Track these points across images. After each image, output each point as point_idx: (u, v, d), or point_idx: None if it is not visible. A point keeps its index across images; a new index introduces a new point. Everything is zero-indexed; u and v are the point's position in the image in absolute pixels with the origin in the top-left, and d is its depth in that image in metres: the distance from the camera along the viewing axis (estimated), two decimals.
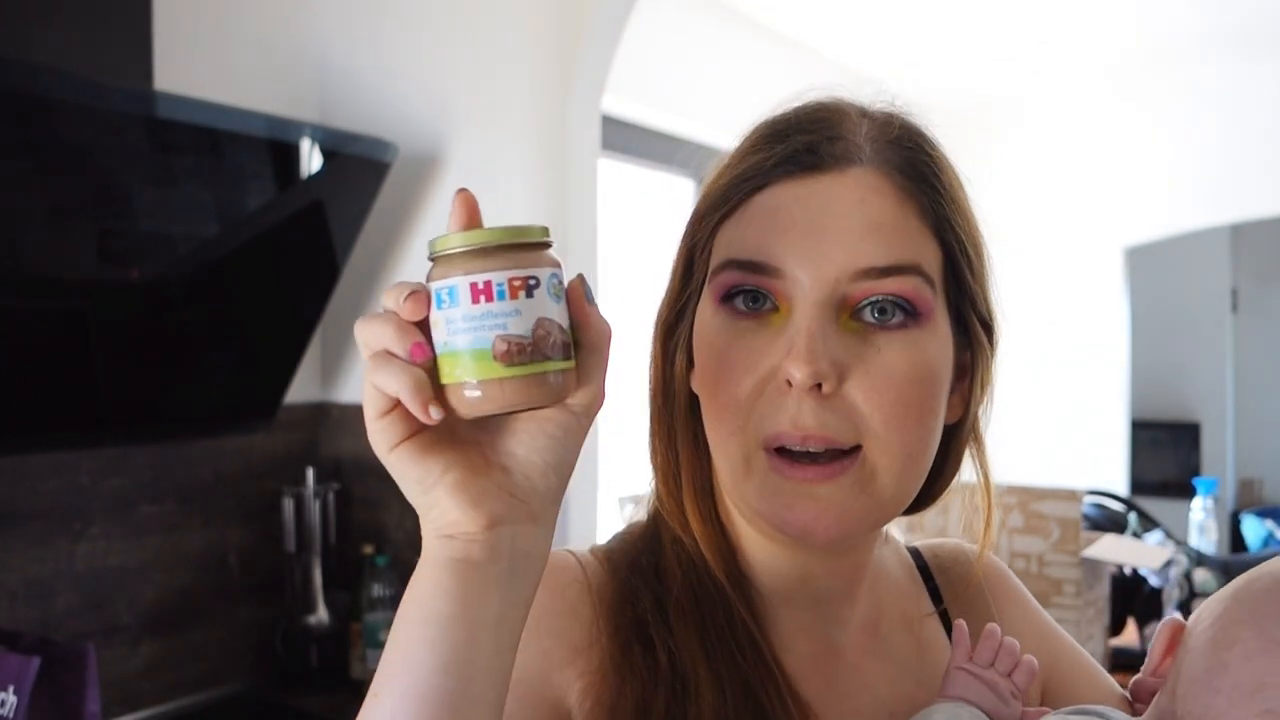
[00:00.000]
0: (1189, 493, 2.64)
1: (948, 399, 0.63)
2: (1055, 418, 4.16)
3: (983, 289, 0.64)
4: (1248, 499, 5.03)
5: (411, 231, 2.14)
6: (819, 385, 0.57)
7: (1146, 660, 0.62)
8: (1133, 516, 2.34)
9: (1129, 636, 2.19)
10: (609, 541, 0.70)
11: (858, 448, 0.58)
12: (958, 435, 0.66)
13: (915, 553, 0.77)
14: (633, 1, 1.99)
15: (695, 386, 0.65)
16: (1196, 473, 4.81)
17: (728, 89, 3.09)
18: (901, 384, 0.58)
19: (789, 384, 0.57)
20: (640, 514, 0.71)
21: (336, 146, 1.87)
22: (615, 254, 2.31)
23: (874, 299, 0.58)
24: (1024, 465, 3.85)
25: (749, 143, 0.64)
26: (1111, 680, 0.77)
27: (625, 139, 2.81)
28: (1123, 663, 2.10)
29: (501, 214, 2.19)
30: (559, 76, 1.96)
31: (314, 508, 2.08)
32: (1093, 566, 1.92)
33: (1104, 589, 2.04)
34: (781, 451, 0.59)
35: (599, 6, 1.94)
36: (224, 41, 2.03)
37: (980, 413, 0.66)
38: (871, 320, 0.58)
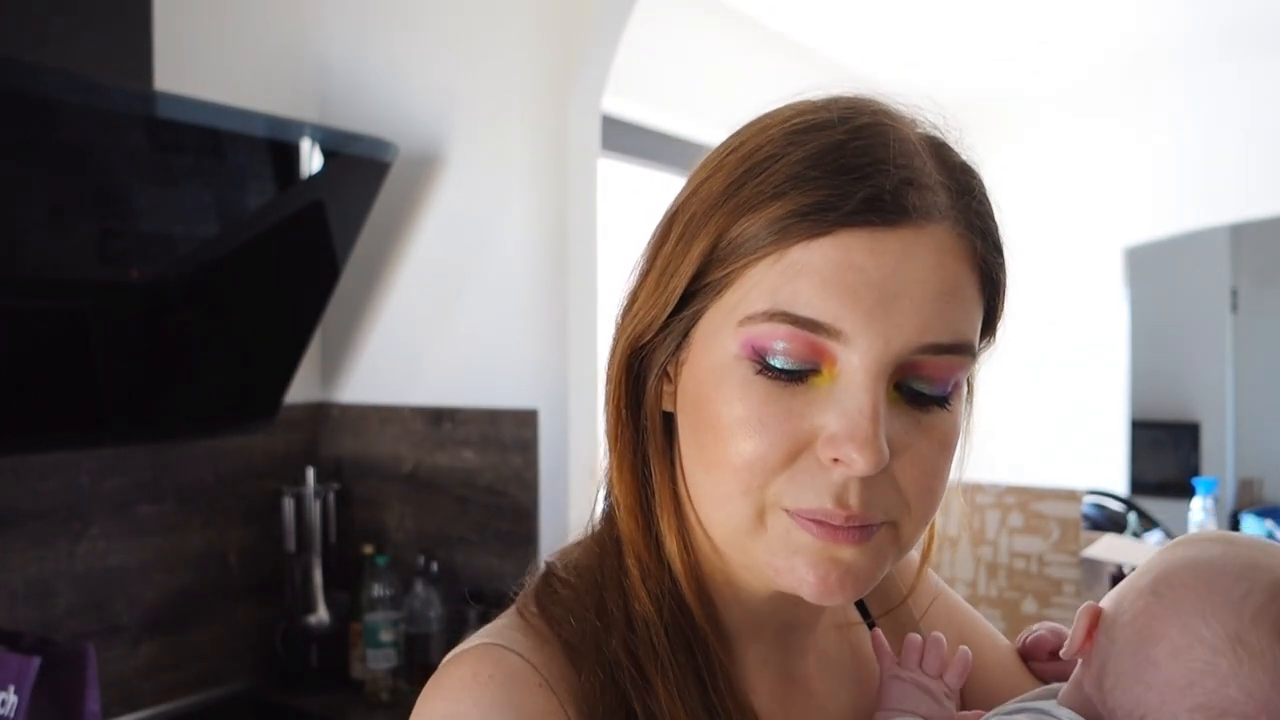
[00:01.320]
0: (1189, 493, 2.64)
1: None
2: (1055, 418, 4.17)
3: (995, 331, 0.60)
4: (1247, 499, 5.03)
5: (411, 231, 2.14)
6: None
7: (1069, 641, 0.62)
8: (1132, 516, 2.34)
9: None
10: (529, 604, 0.61)
11: (891, 522, 0.56)
12: None
13: None
14: (633, 1, 1.99)
15: (687, 423, 0.58)
16: (1196, 473, 4.82)
17: (728, 89, 3.09)
18: (937, 460, 0.55)
19: (835, 460, 0.52)
20: (582, 538, 0.64)
21: (336, 146, 1.87)
22: (615, 254, 2.31)
23: (925, 380, 0.53)
24: (1024, 465, 3.86)
25: (800, 165, 0.54)
26: (1006, 640, 0.77)
27: (625, 139, 2.81)
28: None
29: (501, 214, 2.19)
30: (559, 76, 1.97)
31: (314, 508, 2.08)
32: (1093, 566, 1.93)
33: (1104, 589, 2.04)
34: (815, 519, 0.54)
35: (599, 6, 1.94)
36: (224, 41, 2.03)
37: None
38: (916, 393, 0.54)
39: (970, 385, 0.61)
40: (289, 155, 1.80)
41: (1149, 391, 4.74)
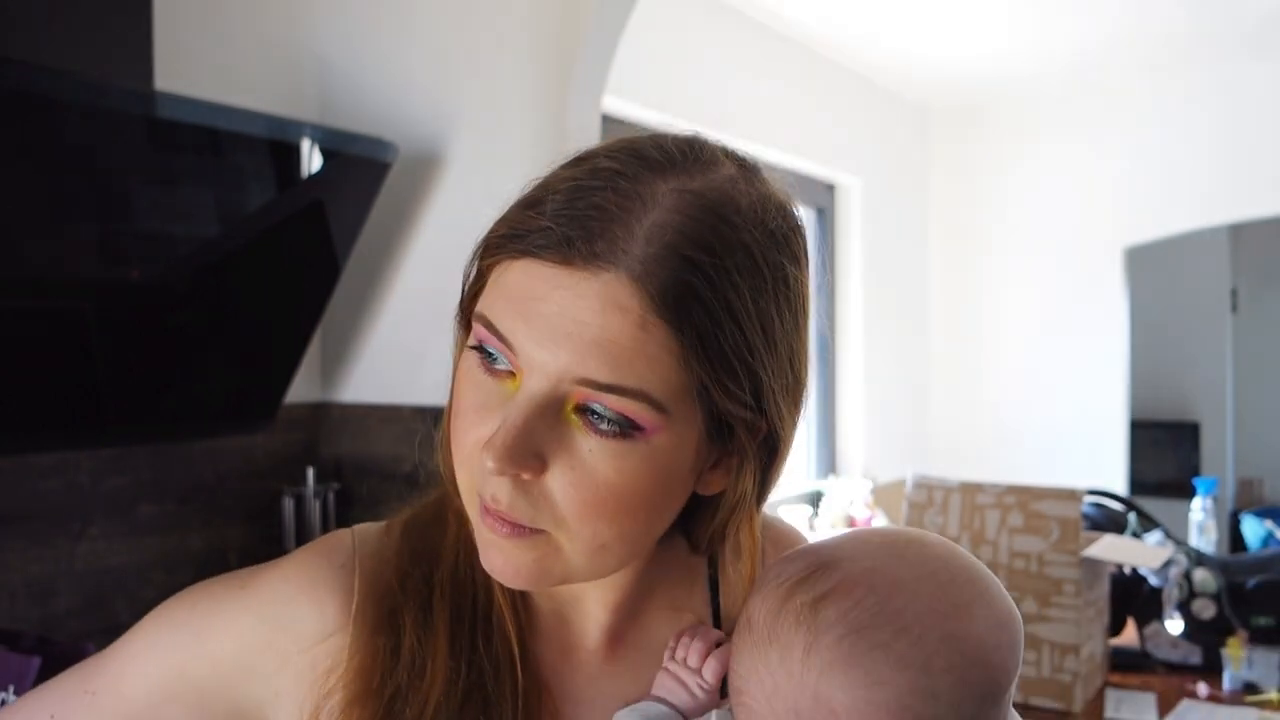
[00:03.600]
0: (1189, 493, 2.64)
1: (705, 477, 0.64)
2: (1055, 418, 4.17)
3: (752, 403, 0.61)
4: (1247, 499, 5.03)
5: (411, 231, 2.14)
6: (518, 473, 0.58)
7: None
8: (1132, 516, 2.34)
9: (1129, 636, 2.19)
10: (406, 512, 0.74)
11: (542, 530, 0.60)
12: (718, 503, 0.67)
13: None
14: (633, 1, 1.99)
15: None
16: (1196, 473, 4.82)
17: (728, 89, 3.09)
18: (602, 488, 0.58)
19: None
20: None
21: (336, 146, 1.87)
22: None
23: (595, 406, 0.57)
24: (1024, 465, 3.86)
25: (540, 190, 0.62)
26: None
27: None
28: (1123, 662, 2.10)
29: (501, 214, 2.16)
30: (559, 76, 1.96)
31: (314, 508, 2.08)
32: (1093, 566, 1.93)
33: (1104, 589, 2.04)
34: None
35: (599, 6, 1.94)
36: (224, 41, 2.03)
37: (748, 491, 0.65)
38: (590, 420, 0.58)
39: (748, 465, 0.64)
40: (289, 155, 1.80)
41: (1149, 391, 4.74)
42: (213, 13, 2.00)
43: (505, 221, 0.62)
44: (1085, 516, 2.21)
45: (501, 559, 0.61)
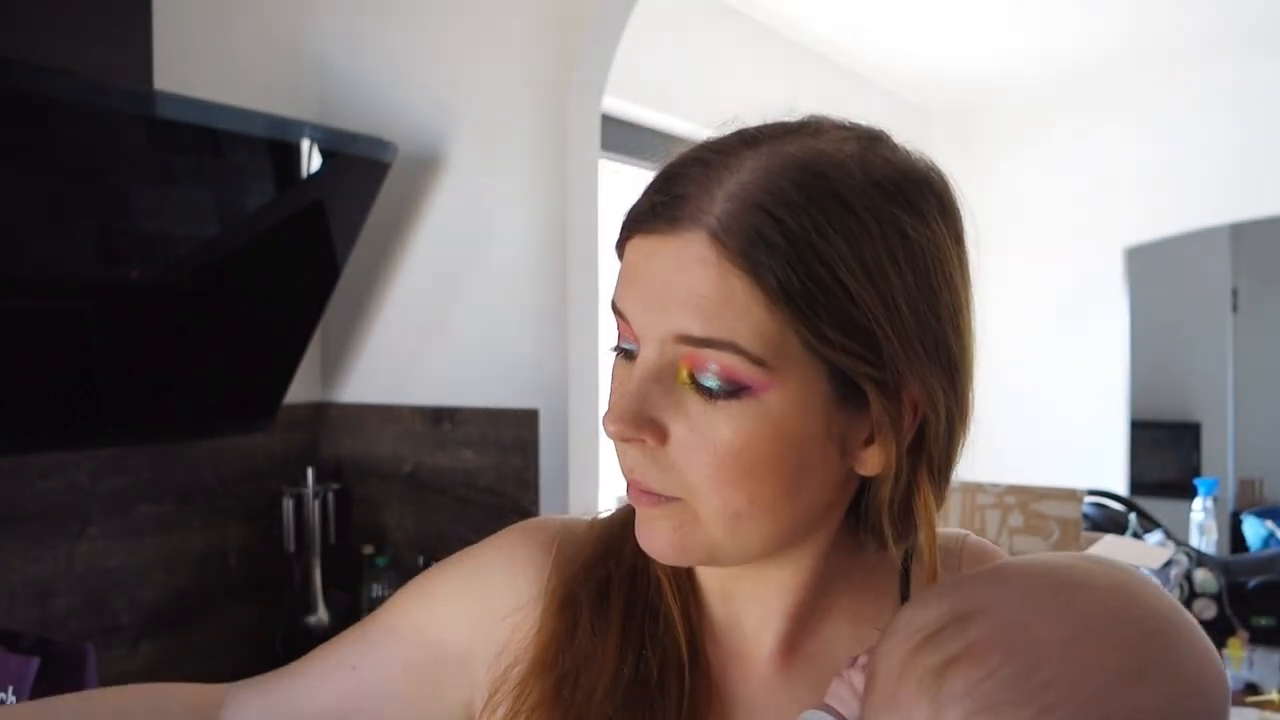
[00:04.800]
0: (1189, 493, 2.64)
1: (855, 454, 0.62)
2: (1055, 418, 4.16)
3: (869, 355, 0.58)
4: (1248, 499, 5.03)
5: (411, 231, 2.14)
6: (641, 439, 0.60)
7: None
8: (1133, 517, 2.34)
9: None
10: (612, 512, 0.75)
11: (675, 497, 0.61)
12: (879, 483, 0.64)
13: (908, 558, 0.73)
14: (633, 1, 1.99)
15: None
16: (1196, 473, 4.82)
17: (728, 89, 3.09)
18: (721, 451, 0.59)
19: None
20: None
21: (336, 146, 1.87)
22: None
23: (702, 373, 0.59)
24: (1024, 465, 3.86)
25: (659, 170, 0.65)
26: None
27: (625, 139, 2.81)
28: None
29: (501, 214, 2.18)
30: (559, 76, 1.96)
31: (314, 508, 2.08)
32: None
33: None
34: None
35: (599, 6, 1.94)
36: (224, 41, 2.03)
37: (913, 465, 0.63)
38: (702, 387, 0.59)
39: (896, 433, 0.61)
40: (289, 155, 1.80)
41: (1149, 391, 4.74)
42: (213, 13, 2.00)
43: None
44: (1086, 517, 2.21)
45: (649, 532, 0.62)
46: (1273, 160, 3.75)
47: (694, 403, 0.59)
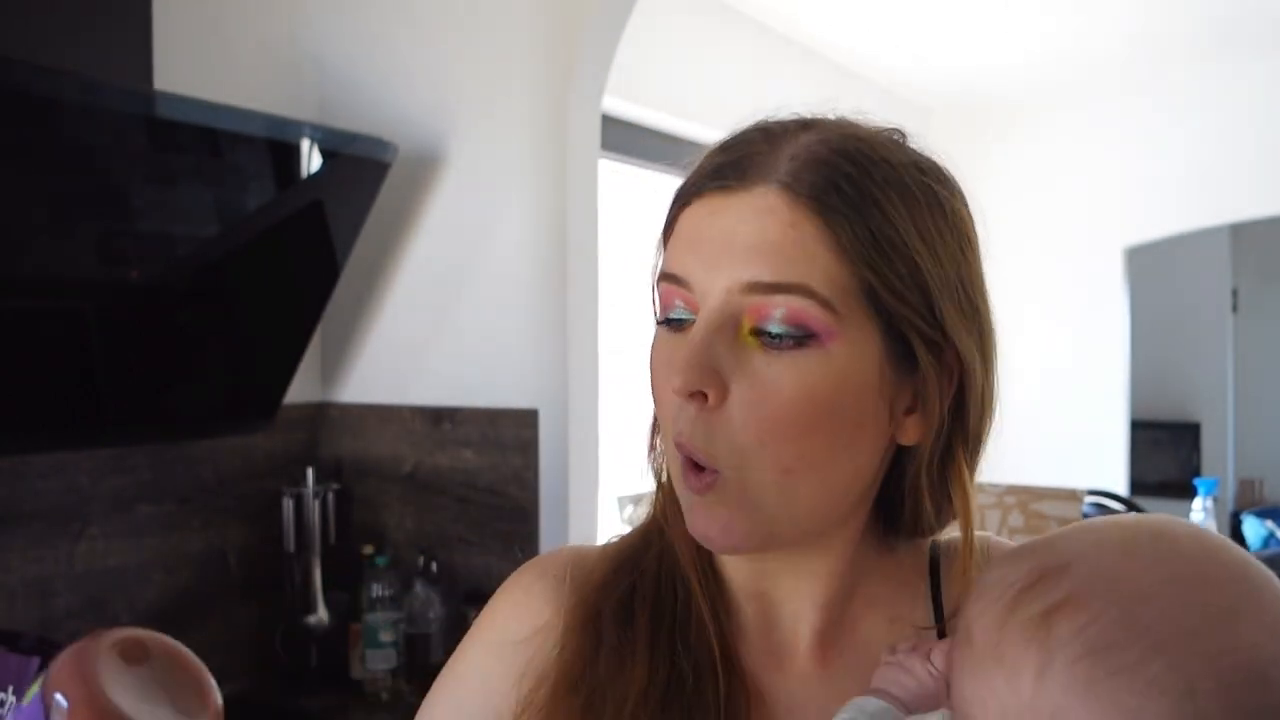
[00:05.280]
0: (1189, 493, 2.64)
1: (898, 420, 0.63)
2: (1055, 418, 4.16)
3: (925, 312, 0.61)
4: (1248, 499, 5.03)
5: (411, 231, 2.14)
6: (703, 395, 0.59)
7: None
8: None
9: None
10: (623, 535, 0.75)
11: (717, 471, 0.61)
12: (914, 459, 0.65)
13: (935, 552, 0.74)
14: (633, 1, 1.99)
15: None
16: (1197, 473, 4.82)
17: (728, 89, 3.09)
18: (783, 403, 0.59)
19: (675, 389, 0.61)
20: (643, 511, 0.75)
21: (336, 146, 1.87)
22: (615, 254, 2.31)
23: (765, 320, 0.59)
24: (1024, 465, 3.86)
25: (695, 162, 0.67)
26: None
27: (625, 139, 2.81)
28: None
29: (501, 214, 2.18)
30: (559, 76, 1.96)
31: (314, 508, 2.08)
32: None
33: None
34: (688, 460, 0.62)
35: (599, 6, 1.94)
36: (224, 41, 2.03)
37: (939, 442, 0.64)
38: (767, 340, 0.60)
39: (941, 400, 0.63)
40: (288, 155, 1.80)
41: (1149, 391, 4.74)
42: (212, 13, 2.00)
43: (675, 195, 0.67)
44: (1086, 517, 2.21)
45: (704, 519, 0.62)
46: (1273, 160, 3.75)
47: (756, 358, 0.60)
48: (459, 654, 0.74)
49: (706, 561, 0.69)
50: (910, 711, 0.61)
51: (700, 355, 0.59)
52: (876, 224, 0.60)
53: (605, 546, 0.74)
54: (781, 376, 0.59)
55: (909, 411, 0.63)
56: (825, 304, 0.59)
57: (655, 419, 0.69)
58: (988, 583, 0.57)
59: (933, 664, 0.62)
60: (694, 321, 0.62)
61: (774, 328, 0.59)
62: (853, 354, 0.60)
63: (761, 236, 0.59)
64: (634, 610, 0.68)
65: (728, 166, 0.62)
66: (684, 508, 0.64)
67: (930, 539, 0.72)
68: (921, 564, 0.73)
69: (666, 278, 0.63)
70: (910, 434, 0.64)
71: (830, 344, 0.59)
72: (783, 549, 0.66)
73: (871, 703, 0.61)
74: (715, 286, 0.60)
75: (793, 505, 0.62)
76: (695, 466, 0.61)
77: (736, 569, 0.69)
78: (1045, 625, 0.52)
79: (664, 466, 0.69)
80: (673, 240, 0.64)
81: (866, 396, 0.61)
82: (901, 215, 0.61)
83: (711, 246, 0.61)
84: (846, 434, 0.61)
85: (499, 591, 0.74)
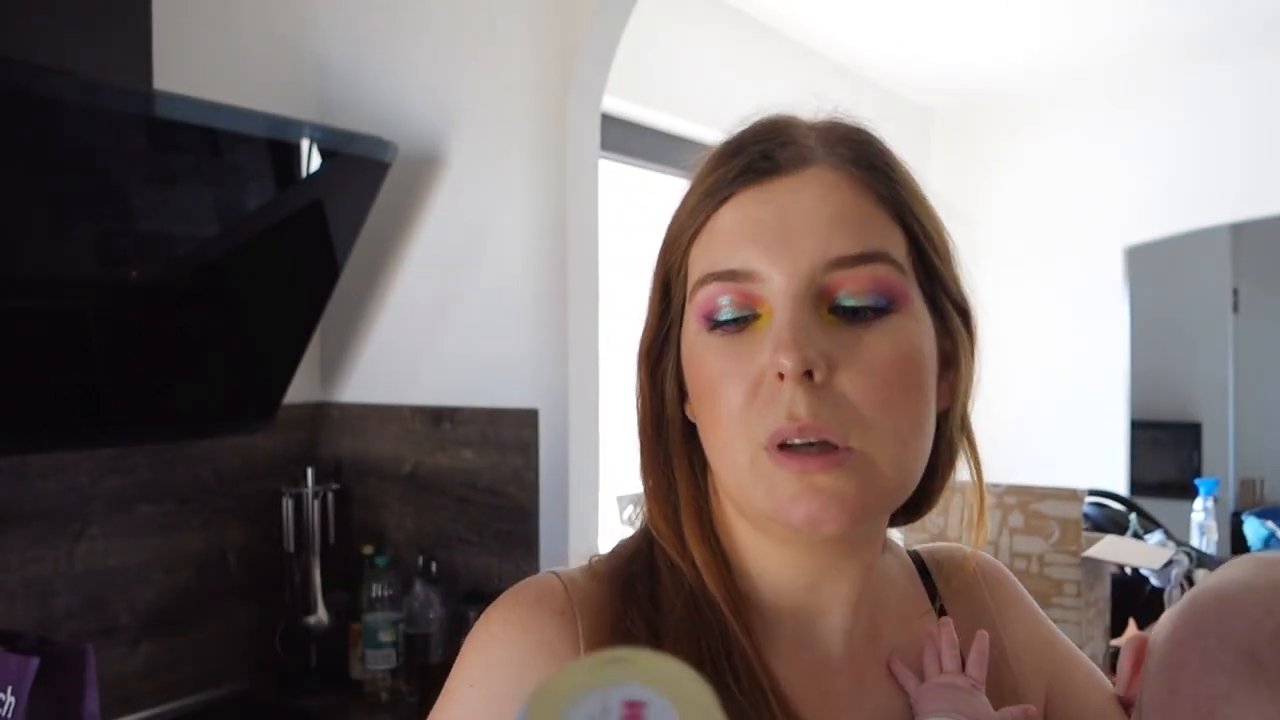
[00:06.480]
0: (1190, 493, 2.64)
1: (936, 386, 0.64)
2: (1055, 418, 4.16)
3: (952, 275, 0.65)
4: (1248, 499, 5.02)
5: (411, 231, 2.14)
6: (810, 374, 0.58)
7: (1117, 679, 0.61)
8: (1133, 517, 2.34)
9: None
10: (600, 561, 0.69)
11: (851, 448, 0.59)
12: (947, 425, 0.66)
13: (915, 555, 0.76)
14: (633, 1, 1.99)
15: (692, 412, 0.65)
16: (1197, 473, 4.81)
17: (728, 89, 3.09)
18: (888, 371, 0.59)
19: (780, 377, 0.58)
20: (628, 533, 0.71)
21: (336, 146, 1.87)
22: (615, 254, 2.31)
23: (850, 293, 0.59)
24: (1024, 465, 3.86)
25: (708, 165, 0.65)
26: (1109, 684, 0.76)
27: (625, 139, 2.81)
28: None
29: (501, 214, 2.19)
30: (559, 76, 1.96)
31: (313, 508, 2.08)
32: (1093, 567, 1.92)
33: (1105, 589, 2.04)
34: (783, 447, 0.59)
35: (599, 6, 1.94)
36: (224, 41, 2.03)
37: (968, 403, 0.67)
38: (847, 314, 0.60)
39: (968, 366, 0.65)
40: (288, 155, 1.80)
41: (1149, 391, 4.73)
42: (212, 12, 2.00)
43: (685, 206, 0.65)
44: (1086, 517, 2.21)
45: (821, 498, 0.58)
46: (1273, 160, 3.74)
47: (843, 334, 0.59)
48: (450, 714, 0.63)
49: (735, 591, 0.65)
50: None
51: (803, 334, 0.57)
52: (906, 190, 0.63)
53: (594, 571, 0.67)
54: (879, 345, 0.59)
55: (940, 379, 0.65)
56: (901, 269, 0.60)
57: (652, 445, 0.66)
58: (1204, 594, 0.56)
59: (973, 675, 0.63)
60: (748, 319, 0.60)
61: (859, 301, 0.59)
62: (920, 315, 0.62)
63: (835, 212, 0.60)
64: (665, 646, 0.61)
65: (761, 157, 0.62)
66: (779, 496, 0.59)
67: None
68: (907, 562, 0.74)
69: (719, 276, 0.61)
70: (942, 400, 0.65)
71: (906, 309, 0.61)
72: (871, 521, 0.64)
73: None
74: (794, 269, 0.59)
75: (906, 474, 0.62)
76: (801, 449, 0.58)
77: (777, 576, 0.65)
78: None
79: (667, 493, 0.65)
80: (712, 240, 0.62)
81: (933, 359, 0.63)
82: (912, 181, 0.64)
83: (777, 231, 0.60)
84: (930, 397, 0.62)
85: (485, 638, 0.64)
